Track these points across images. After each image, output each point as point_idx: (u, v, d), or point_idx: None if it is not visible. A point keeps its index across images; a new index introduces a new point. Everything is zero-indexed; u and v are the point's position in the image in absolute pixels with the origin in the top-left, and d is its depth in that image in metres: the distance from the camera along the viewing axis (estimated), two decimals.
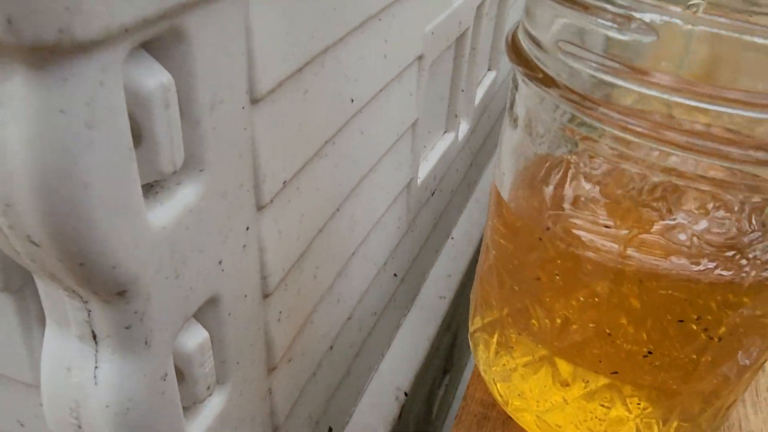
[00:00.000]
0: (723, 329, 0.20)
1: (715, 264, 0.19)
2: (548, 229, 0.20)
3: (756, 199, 0.18)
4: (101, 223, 0.16)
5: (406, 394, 0.48)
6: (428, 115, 0.45)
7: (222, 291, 0.23)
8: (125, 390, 0.20)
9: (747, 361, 0.22)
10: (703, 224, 0.19)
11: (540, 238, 0.21)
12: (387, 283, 0.45)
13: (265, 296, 0.27)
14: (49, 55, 0.14)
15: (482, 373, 0.26)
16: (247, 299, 0.25)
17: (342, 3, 0.27)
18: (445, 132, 0.51)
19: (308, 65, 0.25)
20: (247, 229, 0.24)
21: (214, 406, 0.25)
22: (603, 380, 0.22)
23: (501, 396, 0.25)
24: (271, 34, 0.22)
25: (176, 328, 0.21)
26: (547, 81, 0.20)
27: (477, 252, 0.56)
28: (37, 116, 0.14)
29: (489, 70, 0.62)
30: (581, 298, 0.20)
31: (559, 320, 0.21)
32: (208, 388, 0.24)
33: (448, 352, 0.69)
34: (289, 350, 0.31)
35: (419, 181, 0.45)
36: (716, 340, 0.20)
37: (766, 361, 0.23)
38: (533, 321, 0.22)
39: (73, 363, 0.20)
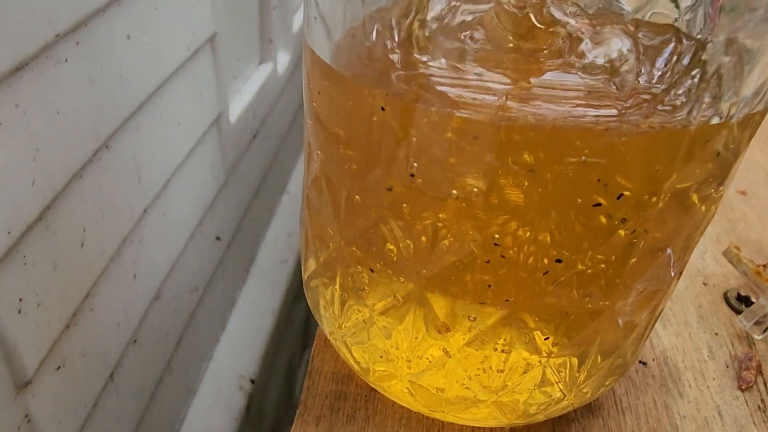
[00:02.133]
0: (650, 213, 0.14)
1: (638, 106, 0.12)
2: (387, 95, 0.13)
3: None
4: None
5: (252, 382, 0.40)
6: (234, 36, 0.36)
7: None
8: None
9: (675, 259, 0.16)
10: (617, 44, 0.13)
11: (383, 108, 0.13)
12: (208, 250, 0.36)
13: None
14: None
15: (329, 336, 0.18)
16: None
17: None
18: (261, 62, 0.42)
19: None
20: None
21: None
22: (495, 314, 0.15)
23: (358, 363, 0.18)
24: None
25: None
26: None
27: None
28: None
29: None
30: (453, 193, 0.13)
31: (425, 237, 0.14)
32: None
33: (304, 325, 0.62)
34: (54, 353, 0.21)
35: (233, 119, 0.36)
36: (642, 231, 0.14)
37: (690, 255, 0.18)
38: (389, 245, 0.15)
39: None
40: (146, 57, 0.25)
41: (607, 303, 0.15)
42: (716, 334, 0.23)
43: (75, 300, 0.22)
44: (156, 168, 0.28)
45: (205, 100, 0.32)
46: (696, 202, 0.15)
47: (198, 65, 0.31)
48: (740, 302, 0.25)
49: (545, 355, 0.16)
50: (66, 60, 0.20)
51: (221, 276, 0.39)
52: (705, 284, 0.25)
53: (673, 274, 0.16)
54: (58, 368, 0.22)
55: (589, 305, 0.15)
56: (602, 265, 0.15)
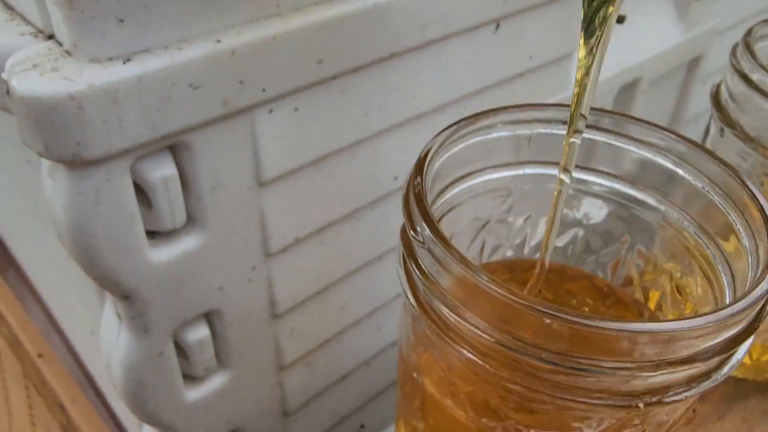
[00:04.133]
0: None
1: None
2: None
3: None
4: (106, 259, 0.26)
5: None
6: None
7: (222, 307, 0.32)
8: (130, 355, 0.30)
9: None
10: None
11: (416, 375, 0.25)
12: None
13: (275, 316, 0.35)
14: (72, 163, 0.24)
15: None
16: (253, 316, 0.34)
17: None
18: None
19: (329, 156, 0.32)
20: (253, 268, 0.32)
21: (215, 382, 0.35)
22: None
23: None
24: (276, 139, 0.29)
25: (173, 325, 0.31)
26: None
27: None
28: (68, 195, 0.25)
29: None
30: None
31: None
32: (206, 369, 0.33)
33: None
34: (307, 357, 0.39)
35: None
36: None
37: None
38: None
39: (112, 329, 0.31)
40: None
41: None
42: None
43: (324, 284, 0.40)
44: None
45: None
46: None
47: None
48: None
49: None
50: (358, 218, 0.37)
51: None
52: None
53: None
54: (303, 314, 0.40)
55: None
56: None
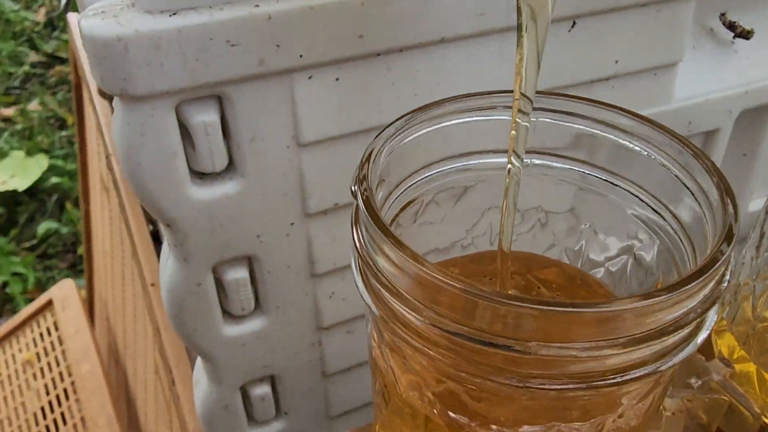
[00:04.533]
0: None
1: None
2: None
3: None
4: (148, 186, 0.31)
5: None
6: None
7: (260, 255, 0.35)
8: (173, 280, 0.35)
9: None
10: None
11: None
12: None
13: (313, 275, 0.38)
14: (122, 97, 0.28)
15: None
16: (291, 270, 0.37)
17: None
18: None
19: (374, 130, 0.34)
20: (292, 224, 0.35)
21: (253, 324, 0.38)
22: None
23: None
24: (316, 105, 0.32)
25: (211, 261, 0.34)
26: None
27: None
28: (120, 124, 0.29)
29: None
30: None
31: None
32: (243, 309, 0.37)
33: None
34: (348, 324, 0.41)
35: None
36: None
37: None
38: None
39: (166, 255, 0.36)
40: None
41: None
42: None
43: None
44: None
45: None
46: None
47: None
48: None
49: None
50: None
51: None
52: None
53: None
54: (343, 278, 0.42)
55: None
56: None
